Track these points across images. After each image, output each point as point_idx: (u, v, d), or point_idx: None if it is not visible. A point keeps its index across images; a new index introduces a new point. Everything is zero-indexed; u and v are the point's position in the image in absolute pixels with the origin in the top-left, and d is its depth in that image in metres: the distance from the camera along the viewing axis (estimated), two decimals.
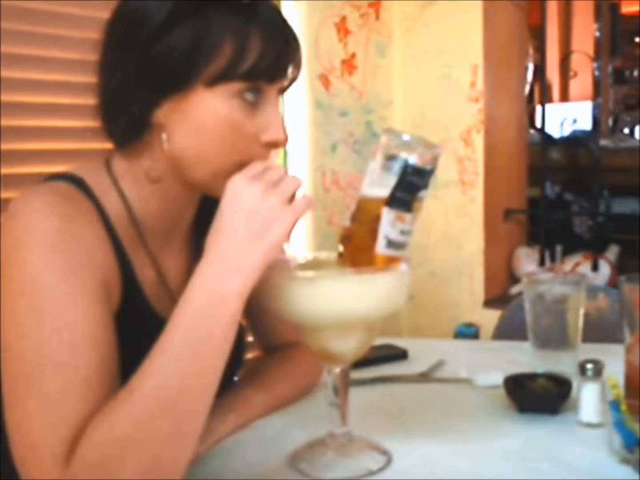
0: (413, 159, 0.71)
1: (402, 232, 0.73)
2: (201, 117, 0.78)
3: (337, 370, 0.84)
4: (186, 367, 0.69)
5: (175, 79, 0.77)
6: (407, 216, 0.73)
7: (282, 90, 0.85)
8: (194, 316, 0.71)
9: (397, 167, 0.71)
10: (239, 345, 1.01)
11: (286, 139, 0.82)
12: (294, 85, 0.86)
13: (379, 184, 0.73)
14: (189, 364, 0.70)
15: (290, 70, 0.83)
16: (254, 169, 0.76)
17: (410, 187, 0.72)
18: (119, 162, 0.86)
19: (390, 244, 0.73)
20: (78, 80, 1.61)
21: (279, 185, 0.75)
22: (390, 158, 0.72)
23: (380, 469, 0.84)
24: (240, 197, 0.74)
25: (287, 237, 0.74)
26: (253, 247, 0.72)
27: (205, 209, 0.90)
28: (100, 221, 0.81)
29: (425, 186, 0.73)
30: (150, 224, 0.87)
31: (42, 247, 0.73)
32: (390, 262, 0.75)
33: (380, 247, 0.73)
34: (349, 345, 0.82)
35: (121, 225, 0.84)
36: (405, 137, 0.73)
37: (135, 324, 0.82)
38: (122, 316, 0.81)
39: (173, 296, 0.89)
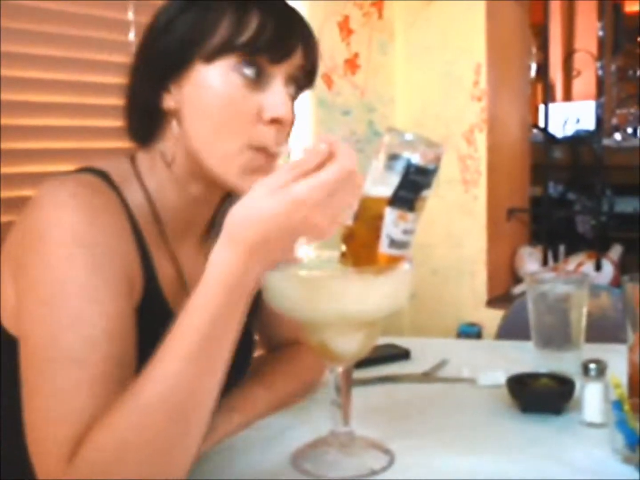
0: (416, 158, 0.71)
1: (405, 232, 0.73)
2: (202, 93, 0.79)
3: (340, 369, 0.84)
4: (195, 371, 0.68)
5: (177, 60, 0.80)
6: (410, 215, 0.72)
7: (299, 75, 0.83)
8: (208, 312, 0.69)
9: (400, 166, 0.71)
10: (248, 347, 1.01)
11: (291, 117, 0.82)
12: (312, 79, 0.85)
13: (381, 183, 0.73)
14: (198, 368, 0.68)
15: (300, 52, 0.82)
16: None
17: (413, 186, 0.71)
18: (143, 157, 0.87)
19: (393, 243, 0.73)
20: (81, 79, 1.61)
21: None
22: (393, 157, 0.72)
23: (383, 469, 0.84)
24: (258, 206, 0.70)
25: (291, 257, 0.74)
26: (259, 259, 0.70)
27: (222, 212, 0.90)
28: (125, 214, 0.81)
29: (428, 185, 0.73)
30: (171, 219, 0.87)
31: (66, 240, 0.73)
32: (392, 261, 0.75)
33: (383, 247, 0.73)
34: (352, 345, 0.82)
35: (143, 219, 0.84)
36: (408, 136, 0.73)
37: (152, 321, 0.81)
38: (141, 311, 0.81)
39: (189, 293, 0.89)
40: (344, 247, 0.77)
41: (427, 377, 1.18)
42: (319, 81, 2.33)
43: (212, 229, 0.94)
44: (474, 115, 2.43)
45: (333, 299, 0.75)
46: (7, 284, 0.79)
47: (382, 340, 1.34)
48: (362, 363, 1.25)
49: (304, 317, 0.79)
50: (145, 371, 0.68)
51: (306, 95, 2.42)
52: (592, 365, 0.95)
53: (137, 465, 0.66)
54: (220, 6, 0.79)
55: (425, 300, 2.48)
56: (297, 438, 0.92)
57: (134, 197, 0.84)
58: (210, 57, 0.79)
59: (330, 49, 2.36)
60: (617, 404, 0.86)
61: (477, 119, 2.42)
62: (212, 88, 0.79)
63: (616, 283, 2.35)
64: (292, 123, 0.83)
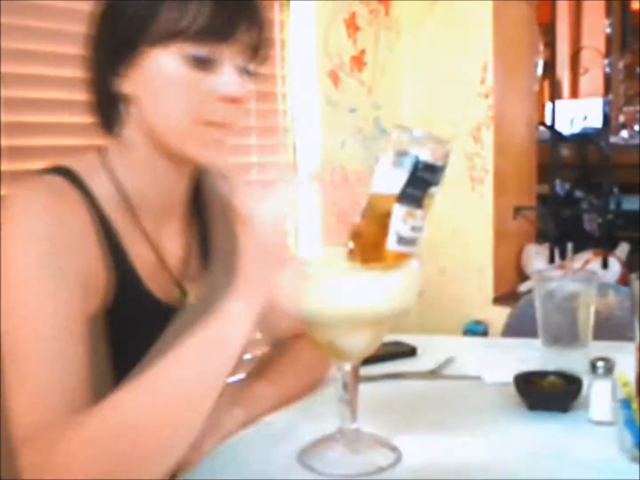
0: (424, 155, 0.71)
1: (413, 229, 0.73)
2: (154, 78, 0.82)
3: (347, 366, 0.84)
4: (175, 402, 0.71)
5: (124, 44, 0.82)
6: (418, 212, 0.72)
7: (248, 51, 0.85)
8: (193, 346, 0.73)
9: (408, 163, 0.71)
10: None
11: (241, 94, 0.84)
12: (261, 47, 0.87)
13: (389, 180, 0.72)
14: (179, 399, 0.72)
15: (245, 30, 0.83)
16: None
17: (421, 183, 0.71)
18: (112, 147, 0.89)
19: (401, 240, 0.72)
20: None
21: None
22: (401, 154, 0.72)
23: (390, 466, 0.84)
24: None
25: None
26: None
27: (200, 192, 0.95)
28: (89, 210, 0.84)
29: (436, 182, 0.72)
30: (144, 203, 0.89)
31: (25, 238, 0.76)
32: (400, 258, 0.75)
33: (391, 244, 0.73)
34: (359, 342, 0.82)
35: (114, 208, 0.86)
36: (416, 133, 0.72)
37: (133, 309, 0.85)
38: (119, 303, 0.84)
39: (172, 277, 0.92)
40: (351, 245, 0.77)
41: (433, 374, 1.18)
42: (325, 79, 2.34)
43: (193, 210, 0.97)
44: (481, 113, 2.42)
45: (340, 296, 0.75)
46: None
47: (389, 338, 1.34)
48: (369, 360, 1.25)
49: (311, 314, 0.79)
50: (129, 385, 0.71)
51: (313, 93, 2.40)
52: (600, 364, 0.95)
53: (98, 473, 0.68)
54: None
55: (431, 297, 2.48)
56: (303, 435, 0.92)
57: (103, 188, 0.86)
58: (156, 42, 0.81)
59: (337, 46, 2.35)
60: (625, 403, 0.86)
61: (484, 116, 2.42)
62: (161, 72, 0.82)
63: (623, 281, 2.34)
64: (243, 99, 0.85)
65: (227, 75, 0.83)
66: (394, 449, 0.87)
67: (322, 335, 0.82)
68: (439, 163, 0.72)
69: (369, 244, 0.74)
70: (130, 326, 0.84)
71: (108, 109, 0.86)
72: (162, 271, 0.91)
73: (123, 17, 0.81)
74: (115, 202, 0.87)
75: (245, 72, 0.85)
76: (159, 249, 0.91)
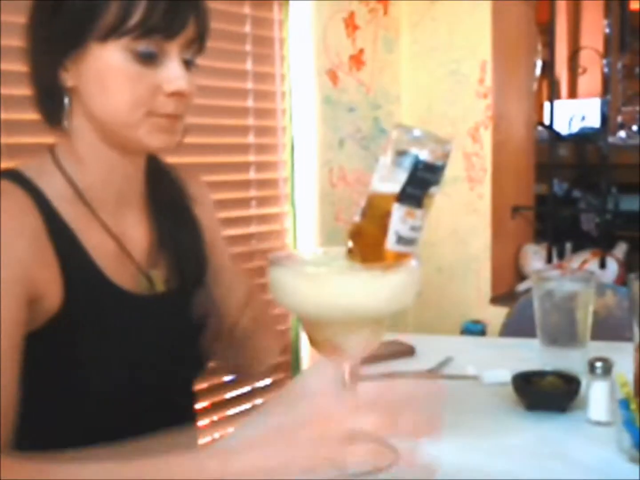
0: (424, 155, 0.71)
1: (413, 228, 0.73)
2: (100, 72, 0.83)
3: (346, 366, 0.84)
4: None
5: (70, 38, 0.82)
6: (418, 212, 0.72)
7: (191, 44, 0.86)
8: None
9: (408, 162, 0.71)
10: (197, 346, 0.99)
11: (189, 89, 0.85)
12: (204, 40, 0.87)
13: (389, 180, 0.72)
14: None
15: (191, 24, 0.84)
16: None
17: (421, 182, 0.71)
18: (60, 142, 0.90)
19: (401, 240, 0.72)
20: None
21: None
22: (401, 153, 0.72)
23: (388, 466, 0.84)
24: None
25: None
26: None
27: (157, 181, 0.96)
28: (36, 209, 0.83)
29: (436, 182, 0.72)
30: (100, 196, 0.89)
31: None
32: (400, 258, 0.75)
33: (390, 243, 0.72)
34: (358, 342, 0.82)
35: (69, 205, 0.86)
36: (417, 132, 0.72)
37: (96, 301, 0.85)
38: (80, 298, 0.83)
39: (138, 266, 0.92)
40: (350, 244, 0.77)
41: (432, 374, 1.18)
42: (324, 78, 2.33)
43: (150, 200, 0.97)
44: (480, 113, 2.42)
45: (339, 295, 0.75)
46: None
47: (387, 337, 1.34)
48: (367, 359, 1.25)
49: (310, 313, 0.79)
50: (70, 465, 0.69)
51: (311, 92, 2.40)
52: (599, 364, 0.95)
53: None
54: None
55: (429, 297, 2.48)
56: None
57: (54, 186, 0.86)
58: (103, 38, 0.81)
59: (336, 45, 2.35)
60: (624, 403, 0.86)
61: (483, 116, 2.42)
62: (108, 67, 0.82)
63: (621, 281, 2.34)
64: (191, 93, 0.86)
65: (173, 70, 0.83)
66: (391, 449, 0.87)
67: (320, 334, 0.82)
68: (439, 163, 0.71)
69: (368, 243, 0.74)
70: (93, 317, 0.84)
71: (52, 102, 0.86)
72: (127, 261, 0.91)
73: (69, 11, 0.81)
74: (69, 199, 0.87)
75: (189, 64, 0.86)
76: (122, 239, 0.91)
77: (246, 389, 2.08)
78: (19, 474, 0.67)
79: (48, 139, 0.92)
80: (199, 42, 0.87)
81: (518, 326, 1.57)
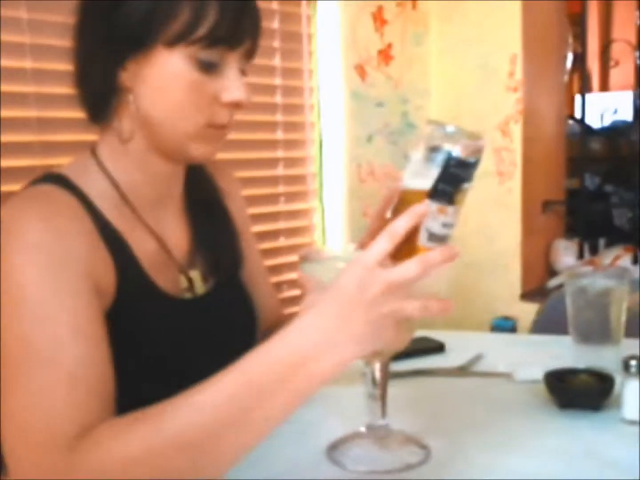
0: (457, 151, 0.70)
1: (445, 225, 0.72)
2: (162, 77, 0.82)
3: (377, 363, 0.84)
4: (228, 418, 0.66)
5: (136, 41, 0.81)
6: (450, 209, 0.71)
7: (247, 54, 0.86)
8: (267, 373, 0.67)
9: (440, 158, 0.70)
10: (251, 332, 1.00)
11: (246, 100, 0.84)
12: (257, 49, 0.87)
13: (421, 176, 0.72)
14: (233, 418, 0.66)
15: (251, 35, 0.85)
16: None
17: (453, 179, 0.70)
18: (103, 145, 0.89)
19: (432, 237, 0.72)
20: None
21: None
22: (433, 149, 0.71)
23: (419, 463, 0.84)
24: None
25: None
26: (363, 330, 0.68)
27: (193, 180, 0.95)
28: (84, 211, 0.83)
29: (468, 178, 0.71)
30: (141, 197, 0.89)
31: (24, 248, 0.75)
32: None
33: (422, 240, 0.72)
34: None
35: (110, 205, 0.86)
36: (450, 128, 0.72)
37: (139, 304, 0.85)
38: (126, 300, 0.83)
39: (179, 267, 0.92)
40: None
41: (463, 371, 1.17)
42: (352, 72, 2.33)
43: (186, 199, 0.97)
44: (510, 107, 2.40)
45: None
46: None
47: (417, 333, 1.33)
48: (397, 356, 1.25)
49: None
50: (182, 396, 0.67)
51: (339, 87, 2.40)
52: (633, 362, 0.93)
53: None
54: None
55: (459, 293, 2.46)
56: (331, 430, 0.92)
57: (97, 187, 0.86)
58: (171, 44, 0.80)
59: (364, 39, 2.34)
60: None
61: (513, 110, 2.39)
62: (171, 73, 0.81)
63: None
64: (247, 103, 0.85)
65: (232, 80, 0.83)
66: (423, 446, 0.87)
67: None
68: (472, 159, 0.71)
69: (400, 243, 0.74)
70: (137, 322, 0.84)
71: (103, 101, 0.85)
72: (168, 262, 0.91)
73: (137, 13, 0.80)
74: (112, 200, 0.87)
75: (243, 73, 0.86)
76: (162, 238, 0.91)
77: None
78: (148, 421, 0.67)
79: (83, 136, 0.92)
80: (253, 52, 0.87)
81: (549, 323, 1.56)
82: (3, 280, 0.74)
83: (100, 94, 0.85)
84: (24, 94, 1.54)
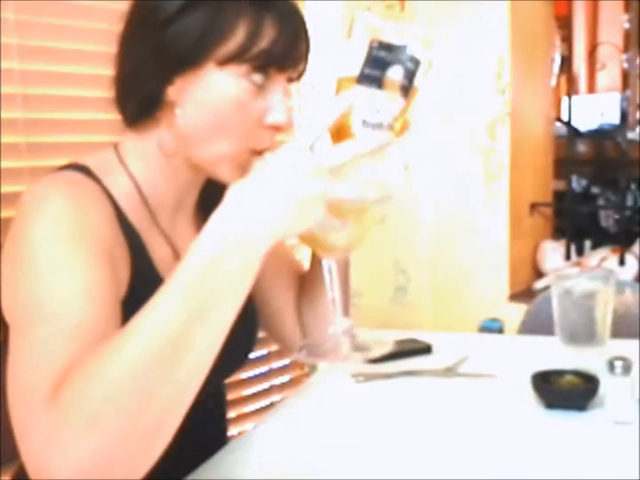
0: (380, 35, 0.70)
1: (377, 112, 0.71)
2: (210, 95, 0.80)
3: (332, 260, 0.79)
4: (190, 312, 0.63)
5: (188, 58, 0.80)
6: (380, 94, 0.71)
7: (291, 80, 0.85)
8: (203, 262, 0.65)
9: (364, 43, 0.71)
10: (250, 321, 1.00)
11: (290, 124, 0.83)
12: (305, 73, 0.86)
13: (350, 63, 0.72)
14: (191, 313, 0.63)
15: (302, 58, 0.83)
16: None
17: (378, 62, 0.70)
18: (128, 142, 0.88)
19: (365, 124, 0.71)
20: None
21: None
22: (362, 37, 0.71)
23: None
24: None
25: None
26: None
27: (210, 187, 0.92)
28: (108, 202, 0.82)
29: (396, 62, 0.71)
30: (159, 201, 0.88)
31: (44, 218, 0.74)
32: None
33: (356, 127, 0.71)
34: (341, 233, 0.75)
35: (130, 205, 0.85)
36: (377, 18, 0.72)
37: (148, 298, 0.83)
38: (137, 296, 0.81)
39: None
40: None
41: (449, 372, 1.17)
42: None
43: (201, 206, 0.95)
44: (497, 109, 2.41)
45: None
46: (5, 282, 0.80)
47: (403, 334, 1.34)
48: (384, 357, 1.25)
49: None
50: (142, 311, 0.65)
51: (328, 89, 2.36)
52: (618, 363, 0.94)
53: (119, 405, 0.61)
54: (235, 8, 0.79)
55: (446, 294, 2.47)
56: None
57: (119, 185, 0.85)
58: (223, 63, 0.79)
59: None
60: None
61: (500, 112, 2.40)
62: (220, 92, 0.80)
63: None
64: (289, 129, 0.84)
65: (278, 102, 0.81)
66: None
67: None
68: (397, 42, 0.71)
69: (336, 131, 0.72)
70: None
71: (145, 112, 0.84)
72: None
73: (191, 32, 0.79)
74: (133, 200, 0.86)
75: (288, 94, 0.85)
76: (176, 244, 0.91)
77: (264, 386, 2.08)
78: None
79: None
80: (301, 73, 0.85)
81: (536, 324, 1.56)
82: (20, 248, 0.74)
83: (143, 105, 0.84)
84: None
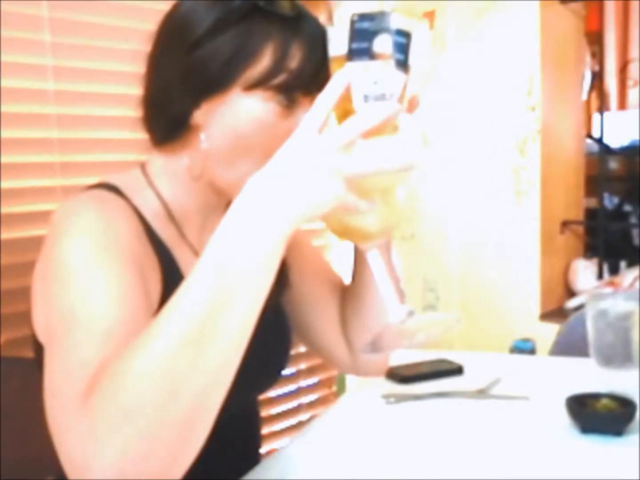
0: (359, 9, 0.70)
1: (375, 83, 0.71)
2: (236, 119, 0.80)
3: (374, 248, 0.76)
4: (214, 301, 0.62)
5: (215, 82, 0.80)
6: (373, 64, 0.70)
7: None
8: (224, 249, 0.64)
9: (348, 23, 0.71)
10: (284, 336, 1.00)
11: None
12: None
13: (337, 45, 0.71)
14: (214, 302, 0.62)
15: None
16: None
17: (362, 34, 0.70)
18: (155, 162, 0.89)
19: (367, 97, 0.71)
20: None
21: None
22: (344, 18, 0.72)
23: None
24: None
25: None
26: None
27: None
28: (137, 219, 0.83)
29: (381, 30, 0.70)
30: (186, 219, 0.89)
31: (76, 233, 0.76)
32: None
33: (357, 102, 0.70)
34: (370, 216, 0.73)
35: (159, 222, 0.86)
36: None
37: None
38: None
39: None
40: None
41: (482, 393, 1.15)
42: None
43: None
44: (527, 126, 2.39)
45: None
46: (38, 298, 0.82)
47: (434, 355, 1.32)
48: (415, 378, 1.24)
49: None
50: (167, 305, 0.64)
51: None
52: None
53: (151, 395, 0.60)
54: (264, 31, 0.79)
55: (476, 313, 2.45)
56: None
57: (147, 203, 0.86)
58: (249, 87, 0.79)
59: None
60: None
61: (531, 129, 2.38)
62: (246, 115, 0.80)
63: None
64: None
65: None
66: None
67: (332, 216, 0.72)
68: (375, 11, 0.70)
69: (340, 112, 0.72)
70: None
71: (171, 134, 0.85)
72: None
73: (219, 57, 0.79)
74: (160, 217, 0.87)
75: None
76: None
77: (292, 404, 2.07)
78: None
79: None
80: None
81: (569, 344, 1.54)
82: (53, 263, 0.75)
83: (170, 127, 0.85)
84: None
